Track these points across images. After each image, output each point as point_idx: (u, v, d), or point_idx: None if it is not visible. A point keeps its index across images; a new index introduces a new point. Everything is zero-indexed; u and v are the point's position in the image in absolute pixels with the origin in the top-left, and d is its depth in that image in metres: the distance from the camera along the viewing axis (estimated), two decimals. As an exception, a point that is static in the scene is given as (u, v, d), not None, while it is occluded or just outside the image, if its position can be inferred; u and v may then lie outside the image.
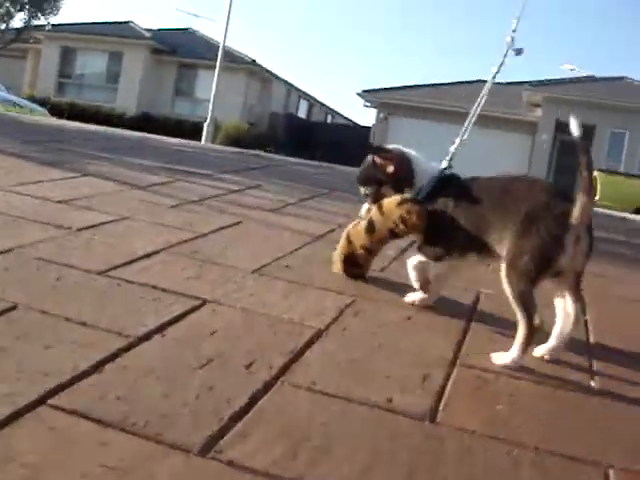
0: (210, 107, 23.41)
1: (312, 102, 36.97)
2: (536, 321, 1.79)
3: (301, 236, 2.95)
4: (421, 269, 2.13)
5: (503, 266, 1.86)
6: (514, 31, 2.43)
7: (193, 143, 7.92)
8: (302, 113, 35.66)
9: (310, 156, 28.68)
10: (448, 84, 30.53)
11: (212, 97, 23.55)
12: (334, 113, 40.43)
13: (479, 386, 1.69)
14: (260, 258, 2.50)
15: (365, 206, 2.29)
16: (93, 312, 1.77)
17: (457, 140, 2.30)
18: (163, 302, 1.92)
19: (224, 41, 24.07)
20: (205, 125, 22.96)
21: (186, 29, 33.36)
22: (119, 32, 30.91)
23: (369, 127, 31.01)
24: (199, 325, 1.80)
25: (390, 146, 2.26)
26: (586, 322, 2.29)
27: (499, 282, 1.87)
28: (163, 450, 1.18)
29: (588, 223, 1.78)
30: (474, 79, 30.18)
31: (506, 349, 1.83)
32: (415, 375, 1.67)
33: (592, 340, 2.14)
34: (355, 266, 2.36)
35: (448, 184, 2.11)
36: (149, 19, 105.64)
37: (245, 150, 7.44)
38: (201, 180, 4.11)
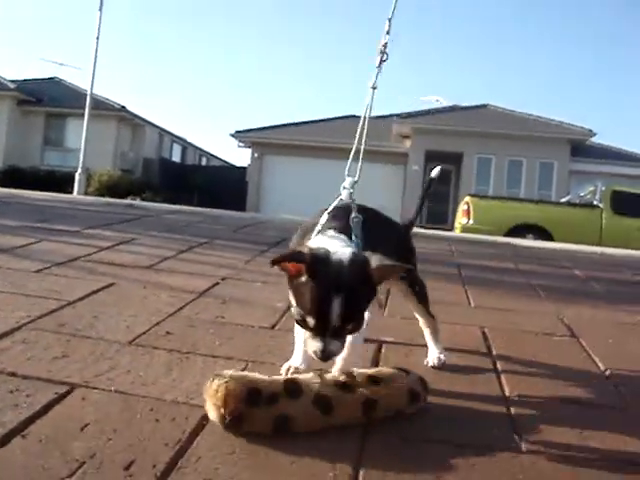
0: (81, 156, 22.79)
1: (185, 145, 36.61)
2: None
3: (182, 294, 2.70)
4: None
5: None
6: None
7: (62, 197, 7.48)
8: (176, 157, 35.25)
9: (187, 200, 28.35)
10: (319, 121, 30.96)
11: (82, 146, 22.94)
12: (208, 155, 40.22)
13: None
14: (136, 326, 2.23)
15: None
16: None
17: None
18: (23, 393, 1.63)
19: (91, 89, 23.57)
20: (77, 175, 22.30)
21: (52, 78, 32.54)
22: (-19, 85, 29.86)
23: (245, 167, 30.99)
24: (67, 418, 1.52)
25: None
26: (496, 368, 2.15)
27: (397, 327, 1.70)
28: None
29: None
30: (344, 114, 30.77)
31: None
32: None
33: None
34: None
35: None
36: (12, 70, 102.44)
37: (117, 200, 7.09)
38: (69, 238, 3.79)
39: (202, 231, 4.65)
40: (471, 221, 13.75)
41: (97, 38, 23.55)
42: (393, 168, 27.56)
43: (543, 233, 13.42)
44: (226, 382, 1.53)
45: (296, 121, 31.14)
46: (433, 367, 2.07)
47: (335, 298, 1.48)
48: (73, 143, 28.17)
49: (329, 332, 1.50)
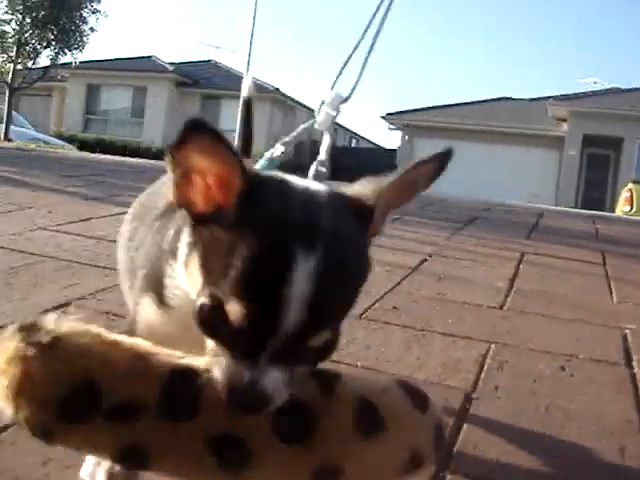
0: (236, 136, 23.19)
1: (336, 127, 36.73)
2: None
3: (396, 269, 2.56)
4: None
5: None
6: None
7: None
8: (327, 139, 35.51)
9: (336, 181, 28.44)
10: (471, 103, 30.14)
11: (238, 127, 23.38)
12: (358, 137, 40.23)
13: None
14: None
15: None
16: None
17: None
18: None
19: (247, 70, 23.96)
20: (233, 155, 22.75)
21: (208, 61, 33.45)
22: (142, 67, 31.07)
23: (394, 150, 30.76)
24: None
25: None
26: None
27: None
28: None
29: None
30: (497, 97, 29.94)
31: None
32: (611, 448, 1.28)
33: None
34: None
35: None
36: (171, 53, 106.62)
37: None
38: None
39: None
40: (634, 209, 13.02)
41: (253, 18, 23.91)
42: (547, 152, 26.50)
43: None
44: (27, 350, 0.73)
45: (447, 103, 30.55)
46: None
47: (305, 264, 0.67)
48: (228, 124, 28.74)
49: (272, 346, 0.68)
